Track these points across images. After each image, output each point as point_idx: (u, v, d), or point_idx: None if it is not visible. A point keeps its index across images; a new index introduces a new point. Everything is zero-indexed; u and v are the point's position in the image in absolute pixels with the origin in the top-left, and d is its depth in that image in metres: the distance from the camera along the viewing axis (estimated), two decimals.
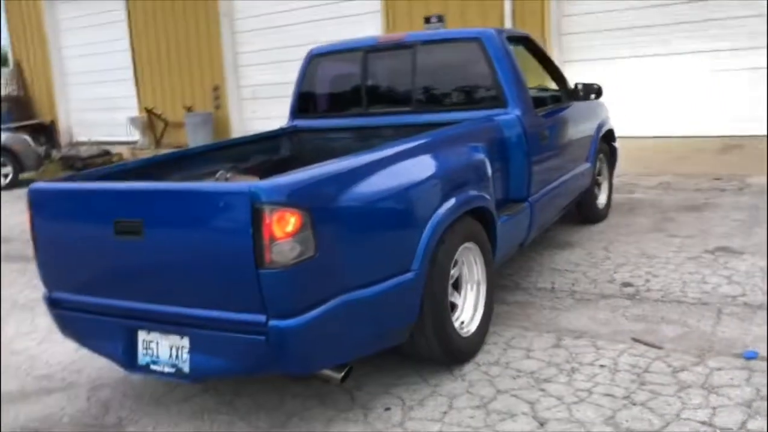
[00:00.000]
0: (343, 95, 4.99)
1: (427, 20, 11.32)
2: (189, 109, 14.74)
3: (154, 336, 3.07)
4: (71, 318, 3.26)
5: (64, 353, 4.19)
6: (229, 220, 2.66)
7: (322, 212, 2.72)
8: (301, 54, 14.51)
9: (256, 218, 2.59)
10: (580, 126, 5.36)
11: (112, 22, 16.17)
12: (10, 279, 6.03)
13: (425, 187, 3.27)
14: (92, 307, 3.15)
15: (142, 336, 3.11)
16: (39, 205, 3.19)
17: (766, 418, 2.83)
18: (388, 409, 3.16)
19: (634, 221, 6.10)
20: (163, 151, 14.63)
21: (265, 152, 4.80)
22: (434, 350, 3.33)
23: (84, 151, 14.09)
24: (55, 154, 14.11)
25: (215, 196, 2.71)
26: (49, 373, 3.95)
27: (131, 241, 2.89)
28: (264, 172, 4.46)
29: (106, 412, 3.42)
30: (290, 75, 13.61)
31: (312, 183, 2.76)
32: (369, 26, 12.19)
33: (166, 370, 3.04)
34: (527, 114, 4.33)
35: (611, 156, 6.30)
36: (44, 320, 4.78)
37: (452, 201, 3.34)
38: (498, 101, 4.32)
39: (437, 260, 3.22)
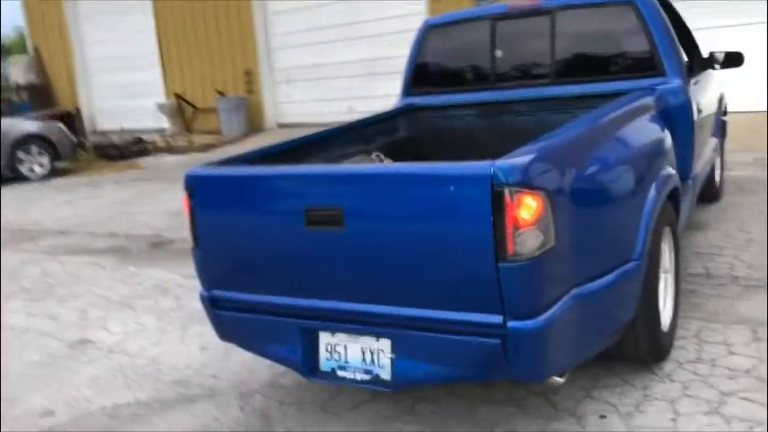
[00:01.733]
0: (466, 68, 4.59)
1: None
2: (221, 94, 14.32)
3: (340, 338, 2.71)
4: (237, 319, 2.89)
5: (189, 355, 3.84)
6: (462, 206, 2.28)
7: (558, 194, 2.34)
8: (338, 35, 14.07)
9: (496, 203, 2.21)
10: (711, 98, 4.97)
11: (136, 6, 15.71)
12: (87, 274, 5.66)
13: (641, 164, 2.91)
14: (265, 306, 2.78)
15: (324, 338, 2.74)
16: (202, 193, 2.80)
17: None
18: (603, 416, 2.80)
19: (754, 200, 5.72)
20: (194, 137, 14.26)
21: (385, 133, 4.40)
22: (642, 348, 2.97)
23: (117, 139, 13.68)
24: (86, 142, 13.70)
25: (446, 179, 2.32)
26: (182, 378, 3.58)
27: (327, 232, 2.51)
28: (388, 155, 4.10)
29: (270, 423, 3.06)
30: (326, 57, 13.33)
31: (547, 160, 2.38)
32: (409, 4, 11.77)
33: (358, 377, 2.68)
34: (686, 83, 3.94)
35: (723, 130, 5.90)
36: (150, 318, 4.45)
37: (659, 180, 2.98)
38: (655, 70, 3.92)
39: (653, 247, 2.85)
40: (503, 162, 2.26)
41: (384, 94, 12.34)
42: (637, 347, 2.96)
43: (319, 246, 2.56)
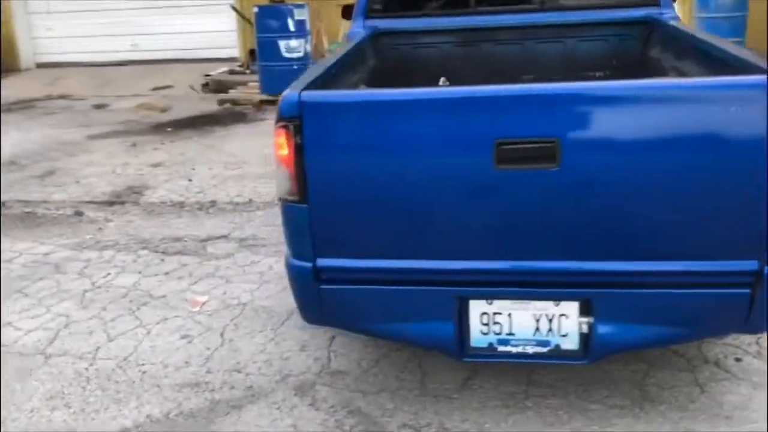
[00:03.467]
0: None
1: None
2: None
3: (500, 305, 2.17)
4: (355, 294, 2.17)
5: (173, 348, 2.94)
6: (730, 129, 1.89)
7: None
8: None
9: None
10: None
11: None
12: None
13: None
14: (404, 274, 2.13)
15: (476, 308, 2.18)
16: (320, 126, 2.01)
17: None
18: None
19: None
20: None
21: (360, 63, 3.72)
22: None
23: None
24: None
25: (711, 95, 1.89)
26: (192, 380, 2.69)
27: (530, 172, 1.95)
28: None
29: (372, 421, 2.39)
30: None
31: None
32: None
33: (530, 350, 2.19)
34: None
35: None
36: (68, 306, 3.40)
37: None
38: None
39: None
40: None
41: (178, 31, 11.15)
42: None
43: (513, 190, 1.98)
